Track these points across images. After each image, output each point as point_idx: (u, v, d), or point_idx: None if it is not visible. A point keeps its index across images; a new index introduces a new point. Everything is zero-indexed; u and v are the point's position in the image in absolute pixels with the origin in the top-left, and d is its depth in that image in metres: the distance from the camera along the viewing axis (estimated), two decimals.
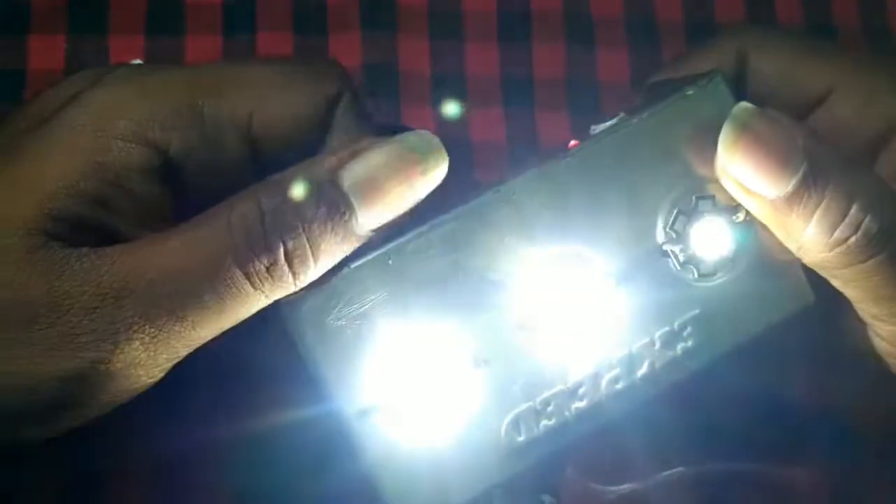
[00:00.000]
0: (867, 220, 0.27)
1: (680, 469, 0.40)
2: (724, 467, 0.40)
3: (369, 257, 0.28)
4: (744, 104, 0.28)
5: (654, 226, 0.29)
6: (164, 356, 0.27)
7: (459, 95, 0.44)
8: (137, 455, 0.38)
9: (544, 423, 0.29)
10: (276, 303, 0.28)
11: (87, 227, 0.27)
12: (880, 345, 0.31)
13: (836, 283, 0.29)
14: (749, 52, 0.34)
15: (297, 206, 0.26)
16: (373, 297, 0.28)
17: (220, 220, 0.26)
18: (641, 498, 0.40)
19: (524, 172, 0.29)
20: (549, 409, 0.29)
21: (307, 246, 0.26)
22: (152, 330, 0.26)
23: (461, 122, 0.44)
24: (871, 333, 0.32)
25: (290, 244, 0.26)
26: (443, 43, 0.45)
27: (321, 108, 0.30)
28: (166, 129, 0.28)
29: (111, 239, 0.27)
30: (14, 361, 0.26)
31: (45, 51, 0.42)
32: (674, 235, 0.29)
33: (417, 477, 0.29)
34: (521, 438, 0.29)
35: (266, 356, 0.36)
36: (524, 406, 0.29)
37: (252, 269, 0.26)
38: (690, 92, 0.29)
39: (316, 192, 0.26)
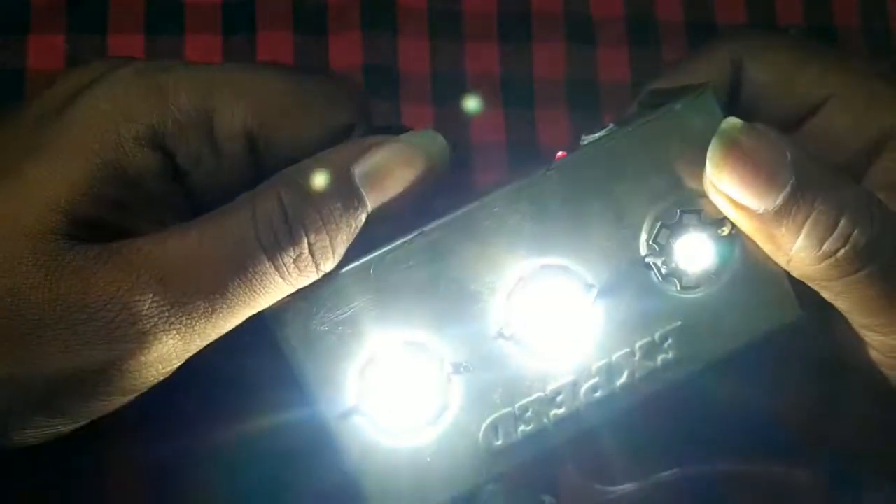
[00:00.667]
0: (856, 232, 0.27)
1: (679, 469, 0.40)
2: (723, 468, 0.40)
3: (353, 265, 0.28)
4: (732, 119, 0.28)
5: (637, 238, 0.30)
6: (197, 343, 0.28)
7: (459, 95, 0.44)
8: (132, 457, 0.38)
9: (522, 428, 0.30)
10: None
11: (109, 228, 0.28)
12: (872, 354, 0.31)
13: (826, 294, 0.29)
14: (744, 60, 0.34)
15: (318, 201, 0.27)
16: (356, 304, 0.28)
17: (243, 214, 0.27)
18: (641, 498, 0.40)
19: (508, 184, 0.29)
20: (528, 415, 0.30)
21: (328, 238, 0.27)
22: (188, 320, 0.27)
23: (461, 122, 0.44)
24: (863, 344, 0.32)
25: (312, 237, 0.27)
26: (442, 43, 0.45)
27: (331, 136, 0.31)
28: (175, 135, 0.28)
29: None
30: (55, 357, 0.27)
31: (44, 51, 0.42)
32: (656, 248, 0.30)
33: (398, 477, 0.29)
34: (498, 443, 0.30)
35: (253, 360, 0.36)
36: (503, 412, 0.30)
37: (280, 261, 0.27)
38: (679, 106, 0.29)
39: (332, 186, 0.28)
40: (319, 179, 0.28)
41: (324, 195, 0.27)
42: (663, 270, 0.30)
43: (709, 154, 0.28)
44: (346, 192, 0.28)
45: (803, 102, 0.33)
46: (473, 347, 0.29)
